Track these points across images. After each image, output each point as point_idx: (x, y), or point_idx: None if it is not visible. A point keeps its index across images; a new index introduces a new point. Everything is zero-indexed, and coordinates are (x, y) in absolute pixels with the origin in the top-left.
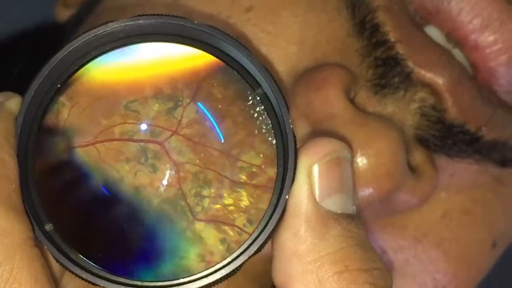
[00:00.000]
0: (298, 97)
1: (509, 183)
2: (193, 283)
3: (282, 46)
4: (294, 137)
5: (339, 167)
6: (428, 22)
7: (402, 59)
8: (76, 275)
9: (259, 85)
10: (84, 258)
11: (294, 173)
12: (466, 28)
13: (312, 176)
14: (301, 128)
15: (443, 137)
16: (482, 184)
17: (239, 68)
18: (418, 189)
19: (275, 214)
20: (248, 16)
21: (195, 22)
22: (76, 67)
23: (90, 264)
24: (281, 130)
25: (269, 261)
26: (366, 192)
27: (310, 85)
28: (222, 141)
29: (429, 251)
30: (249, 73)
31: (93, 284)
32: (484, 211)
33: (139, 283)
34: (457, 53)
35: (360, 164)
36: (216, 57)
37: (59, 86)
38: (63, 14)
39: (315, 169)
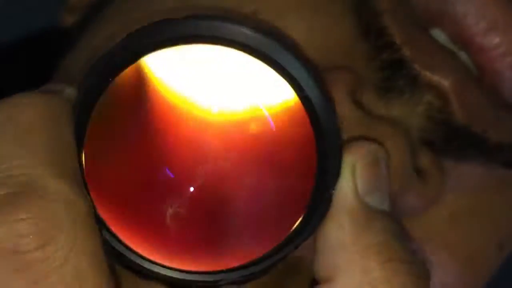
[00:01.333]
0: None
1: None
2: (235, 272)
3: None
4: (341, 136)
5: (378, 167)
6: (434, 25)
7: (408, 62)
8: (126, 258)
9: (302, 89)
10: (130, 246)
11: (339, 170)
12: (471, 30)
13: (355, 174)
14: None
15: (449, 140)
16: (489, 186)
17: (281, 71)
18: (425, 192)
19: (320, 208)
20: None
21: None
22: (125, 65)
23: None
24: (323, 133)
25: (280, 271)
26: None
27: None
28: None
29: (436, 253)
30: (292, 76)
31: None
32: (491, 214)
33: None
34: (462, 56)
35: None
36: (260, 59)
37: (110, 79)
38: (69, 20)
39: (358, 167)
